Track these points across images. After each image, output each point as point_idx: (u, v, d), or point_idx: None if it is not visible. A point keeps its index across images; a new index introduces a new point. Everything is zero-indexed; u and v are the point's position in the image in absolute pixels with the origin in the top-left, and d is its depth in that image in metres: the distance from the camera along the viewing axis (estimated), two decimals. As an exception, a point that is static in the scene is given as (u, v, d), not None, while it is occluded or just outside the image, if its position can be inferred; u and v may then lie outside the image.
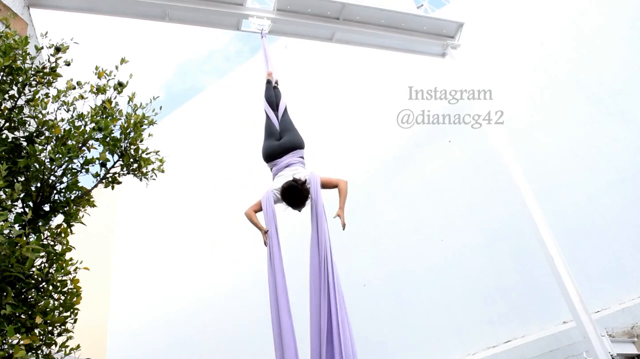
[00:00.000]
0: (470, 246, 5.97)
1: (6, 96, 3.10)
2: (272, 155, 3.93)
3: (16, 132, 3.21)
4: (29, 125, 3.27)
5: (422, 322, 5.99)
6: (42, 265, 2.84)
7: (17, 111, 3.16)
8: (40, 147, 3.04)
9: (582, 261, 5.12)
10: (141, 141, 3.48)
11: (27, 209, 3.01)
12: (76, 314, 2.93)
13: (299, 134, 4.03)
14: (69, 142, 3.16)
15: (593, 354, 4.23)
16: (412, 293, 6.18)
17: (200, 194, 9.14)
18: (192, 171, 9.48)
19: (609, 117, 5.59)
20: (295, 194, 3.56)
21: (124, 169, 3.45)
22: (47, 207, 3.13)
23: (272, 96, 4.36)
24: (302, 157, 3.94)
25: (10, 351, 2.39)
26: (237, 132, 8.84)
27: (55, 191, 3.16)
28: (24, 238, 2.51)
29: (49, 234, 2.98)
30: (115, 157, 3.42)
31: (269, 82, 4.52)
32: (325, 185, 3.77)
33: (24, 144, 3.17)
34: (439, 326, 5.87)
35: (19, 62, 3.11)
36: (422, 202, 6.54)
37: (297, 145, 3.93)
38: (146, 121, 3.47)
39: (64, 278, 2.88)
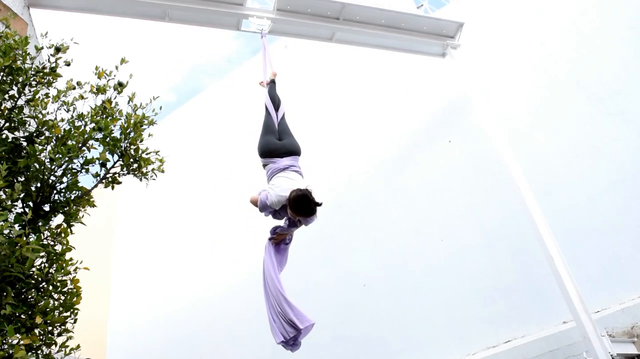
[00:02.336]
0: (470, 246, 5.97)
1: (6, 96, 3.10)
2: (273, 152, 3.78)
3: (16, 132, 3.21)
4: (29, 125, 3.27)
5: (422, 322, 5.98)
6: (42, 265, 2.85)
7: (17, 111, 3.16)
8: (40, 147, 3.05)
9: (582, 261, 5.12)
10: (141, 141, 3.48)
11: (27, 209, 3.02)
12: (76, 314, 2.93)
13: (297, 142, 4.04)
14: (69, 142, 3.16)
15: (593, 354, 4.23)
16: (412, 293, 6.17)
17: (200, 194, 9.14)
18: (192, 171, 9.48)
19: (609, 117, 5.59)
20: (307, 206, 3.34)
21: (124, 169, 3.45)
22: (47, 207, 3.14)
23: (275, 96, 4.34)
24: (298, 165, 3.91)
25: (10, 351, 2.39)
26: (237, 132, 8.83)
27: (55, 191, 3.16)
28: (24, 238, 2.51)
29: (49, 234, 2.98)
30: (115, 157, 3.42)
31: (273, 82, 4.52)
32: None
33: (24, 144, 3.17)
34: (439, 326, 5.87)
35: (19, 62, 3.12)
36: (422, 202, 6.54)
37: (299, 151, 3.91)
38: (146, 121, 3.48)
39: (64, 278, 2.88)
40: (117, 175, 3.48)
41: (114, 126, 3.36)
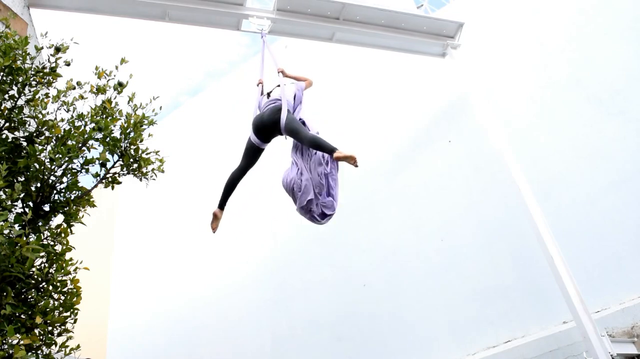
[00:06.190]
0: (470, 246, 5.97)
1: (6, 96, 3.10)
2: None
3: (16, 132, 3.21)
4: (29, 125, 3.27)
5: (422, 322, 5.98)
6: (42, 265, 2.85)
7: (17, 111, 3.16)
8: (40, 147, 3.05)
9: (582, 261, 5.12)
10: (141, 141, 3.49)
11: (27, 209, 3.02)
12: (76, 314, 2.93)
13: None
14: (69, 142, 3.16)
15: (593, 354, 4.23)
16: (412, 293, 6.17)
17: (200, 194, 9.14)
18: (192, 170, 9.48)
19: (609, 117, 5.59)
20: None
21: (124, 169, 3.45)
22: (47, 207, 3.14)
23: None
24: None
25: (10, 351, 2.39)
26: (237, 131, 8.83)
27: (55, 191, 3.16)
28: (24, 238, 2.51)
29: (49, 234, 2.98)
30: (115, 157, 3.42)
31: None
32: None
33: (24, 144, 3.17)
34: (439, 326, 5.87)
35: (19, 62, 3.12)
36: (422, 202, 6.54)
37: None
38: (146, 121, 3.48)
39: (64, 278, 2.89)
40: (117, 175, 3.48)
41: (114, 126, 3.36)
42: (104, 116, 3.38)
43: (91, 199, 3.35)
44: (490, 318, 5.59)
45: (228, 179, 4.20)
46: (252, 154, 4.19)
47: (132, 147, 3.43)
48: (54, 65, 3.32)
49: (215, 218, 4.14)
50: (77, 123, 3.29)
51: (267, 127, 3.98)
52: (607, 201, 5.32)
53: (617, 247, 5.13)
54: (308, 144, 3.76)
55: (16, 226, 2.70)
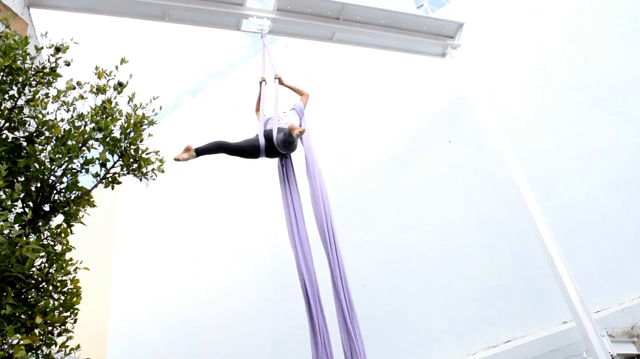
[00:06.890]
0: (470, 246, 5.97)
1: (6, 96, 3.10)
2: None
3: (16, 132, 3.21)
4: (29, 125, 3.27)
5: (422, 322, 5.98)
6: (42, 265, 2.85)
7: (17, 111, 3.16)
8: (40, 147, 3.05)
9: (582, 261, 5.12)
10: (141, 141, 3.48)
11: (27, 209, 3.02)
12: (76, 314, 2.93)
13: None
14: (69, 142, 3.16)
15: (593, 354, 4.23)
16: (412, 293, 6.17)
17: (200, 193, 9.15)
18: (192, 170, 9.47)
19: (609, 117, 5.59)
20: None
21: (124, 169, 3.45)
22: (47, 207, 3.14)
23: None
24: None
25: (10, 351, 2.39)
26: (237, 132, 8.82)
27: (55, 191, 3.16)
28: (24, 238, 2.51)
29: (49, 234, 2.98)
30: (115, 157, 3.42)
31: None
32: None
33: (24, 144, 3.17)
34: (439, 326, 5.87)
35: (19, 62, 3.12)
36: (422, 202, 6.54)
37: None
38: (146, 121, 3.48)
39: (64, 278, 2.89)
40: (117, 175, 3.48)
41: (114, 126, 3.36)
42: (104, 116, 3.38)
43: (91, 199, 3.35)
44: (490, 318, 5.59)
45: (221, 140, 4.35)
46: (249, 147, 4.38)
47: (132, 147, 3.43)
48: (54, 65, 3.32)
49: (186, 152, 4.12)
50: (77, 123, 3.29)
51: (270, 140, 4.36)
52: (607, 201, 5.32)
53: (617, 247, 5.13)
54: (282, 139, 4.16)
55: (16, 226, 2.70)
